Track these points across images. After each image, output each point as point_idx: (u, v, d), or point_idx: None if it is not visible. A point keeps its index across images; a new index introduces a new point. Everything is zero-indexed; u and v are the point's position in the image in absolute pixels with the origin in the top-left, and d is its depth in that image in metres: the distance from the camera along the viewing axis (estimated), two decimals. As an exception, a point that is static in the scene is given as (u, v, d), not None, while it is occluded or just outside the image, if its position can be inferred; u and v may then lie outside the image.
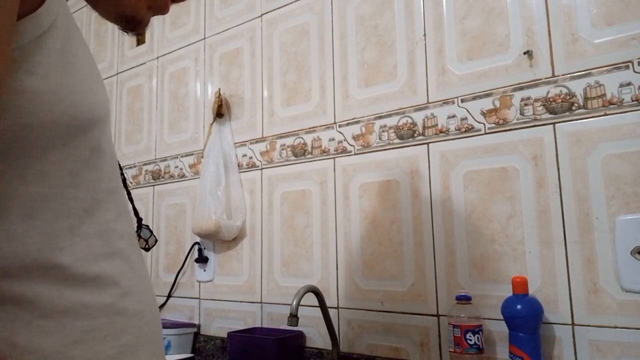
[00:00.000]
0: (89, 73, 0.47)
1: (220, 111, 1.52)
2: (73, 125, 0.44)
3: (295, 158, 1.37)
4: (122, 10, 0.57)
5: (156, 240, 0.59)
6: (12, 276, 0.41)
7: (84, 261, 0.45)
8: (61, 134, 0.43)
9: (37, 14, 0.40)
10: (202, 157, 1.54)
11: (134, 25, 0.59)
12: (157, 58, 1.81)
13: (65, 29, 0.44)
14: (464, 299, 0.99)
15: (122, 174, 0.62)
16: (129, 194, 0.63)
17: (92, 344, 0.44)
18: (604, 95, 0.94)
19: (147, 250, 0.59)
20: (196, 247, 1.55)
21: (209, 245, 1.54)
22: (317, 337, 1.27)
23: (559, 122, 0.98)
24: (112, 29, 2.01)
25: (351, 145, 1.27)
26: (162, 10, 0.61)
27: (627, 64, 0.92)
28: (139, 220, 0.59)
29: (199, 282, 1.56)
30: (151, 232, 0.58)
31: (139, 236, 0.56)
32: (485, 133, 1.07)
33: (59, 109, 0.42)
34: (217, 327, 1.48)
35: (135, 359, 0.48)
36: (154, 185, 1.74)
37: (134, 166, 1.82)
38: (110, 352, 0.45)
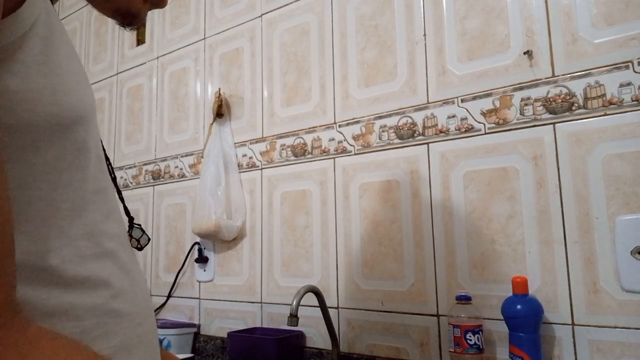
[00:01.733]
0: (73, 72, 0.46)
1: (220, 111, 1.52)
2: (56, 124, 0.43)
3: (295, 158, 1.37)
4: (117, 4, 0.56)
5: (149, 239, 0.58)
6: None
7: (72, 263, 0.44)
8: (44, 134, 0.42)
9: (19, 13, 0.39)
10: (202, 157, 1.54)
11: (130, 20, 0.58)
12: (157, 58, 1.81)
13: (47, 28, 0.43)
14: (464, 299, 0.99)
15: (111, 172, 0.61)
16: (119, 193, 0.62)
17: None
18: (604, 95, 0.94)
19: (139, 249, 0.58)
20: (196, 247, 1.55)
21: (209, 245, 1.54)
22: (317, 337, 1.27)
23: (559, 122, 0.98)
24: (112, 29, 2.01)
25: (351, 145, 1.27)
26: (160, 4, 0.60)
27: (627, 64, 0.92)
28: (130, 219, 0.59)
29: (199, 282, 1.56)
30: (143, 231, 0.57)
31: (130, 236, 0.55)
32: (485, 133, 1.07)
33: (41, 108, 0.41)
34: (217, 327, 1.48)
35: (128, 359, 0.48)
36: (154, 185, 1.74)
37: (134, 166, 1.82)
38: (101, 353, 0.45)
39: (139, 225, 0.58)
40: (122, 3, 0.56)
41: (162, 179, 1.72)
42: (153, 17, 1.84)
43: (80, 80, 0.47)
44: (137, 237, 0.56)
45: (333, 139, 1.30)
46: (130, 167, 1.83)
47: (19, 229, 0.41)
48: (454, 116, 1.11)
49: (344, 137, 1.28)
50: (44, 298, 0.42)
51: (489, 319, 1.01)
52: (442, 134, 1.12)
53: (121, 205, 0.60)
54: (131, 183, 1.82)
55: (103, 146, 0.57)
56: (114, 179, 0.61)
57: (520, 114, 1.03)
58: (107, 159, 0.58)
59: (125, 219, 0.58)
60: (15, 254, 0.41)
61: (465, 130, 1.09)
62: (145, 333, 0.51)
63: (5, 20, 0.38)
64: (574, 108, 0.97)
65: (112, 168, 0.61)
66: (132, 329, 0.49)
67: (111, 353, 0.46)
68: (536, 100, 1.01)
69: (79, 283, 0.44)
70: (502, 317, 0.96)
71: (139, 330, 0.50)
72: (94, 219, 0.48)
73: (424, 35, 1.18)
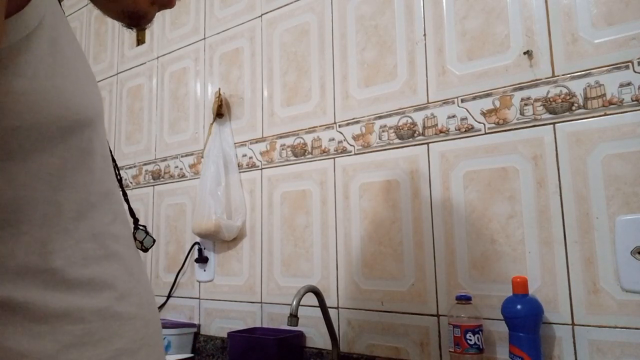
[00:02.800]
0: (79, 73, 0.46)
1: (220, 111, 1.52)
2: (62, 126, 0.43)
3: (295, 158, 1.37)
4: (124, 6, 0.55)
5: (154, 241, 0.58)
6: (3, 281, 0.40)
7: (76, 265, 0.44)
8: (50, 136, 0.42)
9: (23, 12, 0.39)
10: (202, 157, 1.54)
11: (137, 21, 0.58)
12: (157, 58, 1.81)
13: (53, 28, 0.43)
14: (464, 299, 0.99)
15: (117, 174, 0.60)
16: (125, 195, 0.62)
17: (86, 348, 0.44)
18: (604, 95, 0.94)
19: (144, 251, 0.58)
20: (196, 247, 1.55)
21: (209, 245, 1.54)
22: (317, 337, 1.27)
23: (559, 122, 0.98)
24: (112, 29, 2.01)
25: (351, 145, 1.27)
26: (168, 4, 0.60)
27: (627, 64, 0.92)
28: (136, 221, 0.58)
29: (199, 282, 1.56)
30: (147, 233, 0.57)
31: (134, 238, 0.55)
32: (485, 133, 1.07)
33: (48, 110, 0.41)
34: (217, 327, 1.48)
35: None
36: (154, 185, 1.74)
37: (134, 166, 1.82)
38: (104, 356, 0.45)
39: (144, 226, 0.58)
40: (128, 4, 0.55)
41: (162, 179, 1.72)
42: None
43: (88, 82, 0.47)
44: (141, 239, 0.56)
45: (333, 139, 1.30)
46: (130, 167, 1.83)
47: (22, 230, 0.41)
48: (454, 116, 1.11)
49: (344, 137, 1.28)
50: (48, 300, 0.42)
51: (489, 319, 1.01)
52: (442, 134, 1.12)
53: (126, 206, 0.60)
54: (131, 183, 1.82)
55: (110, 148, 0.56)
56: (119, 181, 0.60)
57: (520, 114, 1.03)
58: (113, 160, 0.58)
59: (131, 220, 0.58)
60: (19, 254, 0.41)
61: (465, 130, 1.09)
62: (150, 335, 0.51)
63: (9, 20, 0.38)
64: (574, 108, 0.97)
65: (118, 170, 0.61)
66: (137, 332, 0.49)
67: (115, 355, 0.46)
68: (536, 100, 1.01)
69: (83, 285, 0.44)
70: (502, 317, 0.96)
71: (143, 332, 0.50)
72: (101, 221, 0.48)
73: (424, 35, 1.18)
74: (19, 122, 0.40)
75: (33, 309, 0.41)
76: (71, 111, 0.43)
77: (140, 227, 0.58)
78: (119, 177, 0.61)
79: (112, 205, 0.50)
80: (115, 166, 0.58)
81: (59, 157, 0.43)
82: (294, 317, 1.04)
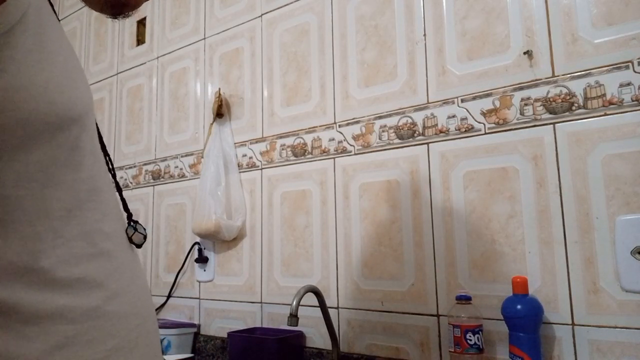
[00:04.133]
0: (67, 68, 0.45)
1: (220, 111, 1.52)
2: (49, 123, 0.42)
3: (295, 158, 1.37)
4: None
5: (145, 237, 0.56)
6: None
7: (65, 264, 0.43)
8: (37, 133, 0.41)
9: (5, 6, 0.38)
10: (202, 157, 1.54)
11: (120, 9, 0.56)
12: (157, 58, 1.81)
13: (37, 22, 0.42)
14: (464, 299, 0.99)
15: (111, 169, 0.59)
16: (119, 190, 0.61)
17: (76, 349, 0.43)
18: (604, 95, 0.94)
19: (138, 247, 0.56)
20: (196, 247, 1.55)
21: (209, 245, 1.54)
22: (317, 337, 1.27)
23: (559, 122, 0.98)
24: (112, 29, 2.01)
25: (351, 145, 1.27)
26: None
27: (627, 64, 0.92)
28: (129, 216, 0.57)
29: (199, 282, 1.56)
30: (135, 229, 0.55)
31: (126, 234, 0.54)
32: (485, 133, 1.07)
33: (34, 107, 0.40)
34: (217, 327, 1.48)
35: None
36: (154, 185, 1.74)
37: (134, 166, 1.82)
38: (96, 356, 0.44)
39: (135, 222, 0.56)
40: None
41: (162, 179, 1.72)
42: (153, 17, 1.84)
43: (76, 78, 0.46)
44: (130, 236, 0.54)
45: (333, 139, 1.30)
46: (130, 167, 1.83)
47: (10, 229, 0.40)
48: (454, 116, 1.11)
49: (344, 137, 1.28)
50: (37, 300, 0.41)
51: (489, 319, 1.01)
52: (442, 134, 1.12)
53: (121, 203, 0.59)
54: (131, 183, 1.82)
55: (103, 142, 0.55)
56: (113, 175, 0.59)
57: (520, 114, 1.03)
58: (107, 154, 0.57)
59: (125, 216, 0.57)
60: (7, 254, 0.40)
61: (465, 130, 1.09)
62: (144, 334, 0.50)
63: None
64: (574, 108, 0.97)
65: (112, 164, 0.59)
66: (130, 331, 0.48)
67: (105, 356, 0.45)
68: (536, 100, 1.01)
69: (73, 284, 0.44)
70: (502, 317, 0.96)
71: (137, 331, 0.49)
72: (92, 219, 0.47)
73: (424, 35, 1.18)
74: (4, 119, 0.39)
75: (21, 310, 0.40)
76: (58, 107, 0.42)
77: (133, 223, 0.56)
78: (112, 172, 0.59)
79: (103, 202, 0.49)
80: (109, 161, 0.57)
81: (46, 155, 0.42)
82: (294, 317, 1.04)
